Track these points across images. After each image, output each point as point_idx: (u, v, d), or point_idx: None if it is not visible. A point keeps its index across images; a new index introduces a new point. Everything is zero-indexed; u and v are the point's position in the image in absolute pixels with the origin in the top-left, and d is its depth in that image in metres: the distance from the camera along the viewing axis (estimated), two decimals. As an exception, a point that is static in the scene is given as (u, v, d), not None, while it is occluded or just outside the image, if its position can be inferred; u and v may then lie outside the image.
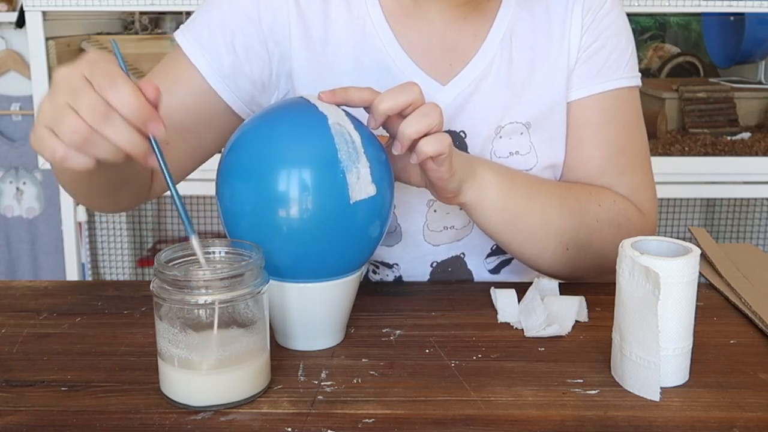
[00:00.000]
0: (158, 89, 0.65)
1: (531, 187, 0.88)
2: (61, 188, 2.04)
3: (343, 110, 0.74)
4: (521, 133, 0.92)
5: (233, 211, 0.72)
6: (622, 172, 0.94)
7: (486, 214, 0.85)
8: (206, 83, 0.90)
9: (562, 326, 0.77)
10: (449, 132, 0.91)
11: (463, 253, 0.96)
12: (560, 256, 0.89)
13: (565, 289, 0.87)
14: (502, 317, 0.81)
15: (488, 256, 0.97)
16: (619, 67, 0.93)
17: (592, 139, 0.93)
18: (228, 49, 0.90)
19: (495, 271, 0.98)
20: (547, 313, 0.79)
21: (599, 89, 0.93)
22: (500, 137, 0.92)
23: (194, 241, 0.66)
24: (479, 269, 0.97)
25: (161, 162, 0.66)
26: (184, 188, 2.01)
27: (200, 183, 1.98)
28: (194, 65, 0.90)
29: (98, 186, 0.84)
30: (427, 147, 0.75)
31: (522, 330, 0.78)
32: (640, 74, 0.96)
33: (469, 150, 0.91)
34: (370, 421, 0.62)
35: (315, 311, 0.73)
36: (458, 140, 0.91)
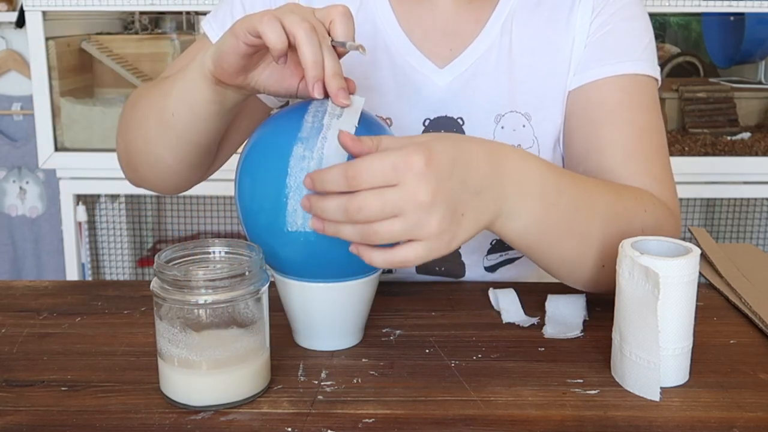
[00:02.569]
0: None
1: (577, 207, 0.73)
2: (61, 188, 2.04)
3: (363, 112, 0.73)
4: (523, 125, 0.91)
5: (252, 209, 0.72)
6: (646, 158, 0.86)
7: (512, 243, 0.72)
8: None
9: (569, 327, 0.78)
10: (447, 118, 0.90)
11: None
12: (594, 274, 0.78)
13: (565, 288, 0.87)
14: (506, 318, 0.81)
15: (489, 252, 0.97)
16: (634, 53, 0.89)
17: (610, 122, 0.87)
18: None
19: (492, 269, 0.98)
20: (578, 320, 0.79)
21: (613, 71, 0.88)
22: (502, 128, 0.91)
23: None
24: (475, 265, 0.96)
25: None
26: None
27: (200, 183, 1.98)
28: None
29: (215, 120, 0.81)
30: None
31: (522, 330, 0.78)
32: (659, 68, 0.92)
33: None
34: (370, 421, 0.62)
35: (336, 310, 0.73)
36: (456, 127, 0.91)
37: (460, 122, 0.91)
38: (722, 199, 2.31)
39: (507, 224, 0.69)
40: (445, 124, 0.91)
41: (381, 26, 0.92)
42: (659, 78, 0.92)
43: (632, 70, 0.89)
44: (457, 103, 0.91)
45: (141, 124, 0.88)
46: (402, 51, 0.91)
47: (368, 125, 0.72)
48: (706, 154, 1.99)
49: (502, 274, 0.98)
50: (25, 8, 1.94)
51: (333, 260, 0.70)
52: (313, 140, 0.69)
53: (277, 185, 0.69)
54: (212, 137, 0.85)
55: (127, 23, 2.41)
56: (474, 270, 0.97)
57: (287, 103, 0.97)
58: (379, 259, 0.63)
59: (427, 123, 0.92)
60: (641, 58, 0.90)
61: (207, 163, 0.92)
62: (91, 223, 2.24)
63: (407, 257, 0.62)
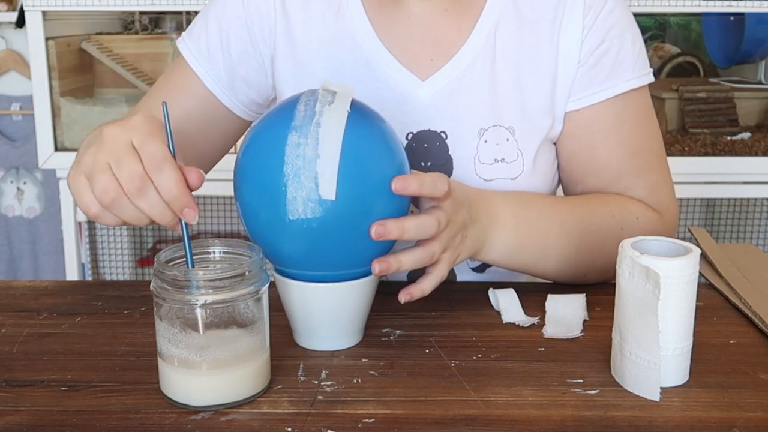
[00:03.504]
0: (202, 177, 0.67)
1: (548, 236, 0.85)
2: (61, 188, 2.04)
3: (358, 104, 0.73)
4: (507, 139, 0.90)
5: (252, 205, 0.72)
6: (638, 174, 0.92)
7: (494, 264, 0.86)
8: (205, 88, 0.93)
9: (569, 327, 0.78)
10: (430, 132, 0.90)
11: None
12: (578, 281, 0.90)
13: (565, 288, 0.87)
14: (506, 317, 0.81)
15: None
16: (628, 68, 0.90)
17: (606, 144, 0.91)
18: (224, 53, 0.93)
19: (479, 270, 0.97)
20: (578, 321, 0.80)
21: (610, 94, 0.90)
22: (485, 141, 0.90)
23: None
24: (462, 266, 0.96)
25: (186, 241, 0.67)
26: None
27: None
28: (194, 71, 0.93)
29: None
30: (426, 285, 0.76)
31: (522, 330, 0.78)
32: (651, 69, 0.93)
33: (450, 152, 0.90)
34: (370, 421, 0.62)
35: (336, 310, 0.73)
36: (439, 141, 0.90)
37: (443, 136, 0.90)
38: (722, 199, 2.31)
39: (489, 253, 0.83)
40: (427, 138, 0.90)
41: (359, 39, 0.90)
42: (652, 78, 0.93)
43: (626, 88, 0.90)
44: (440, 117, 0.90)
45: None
46: (382, 64, 0.90)
47: (361, 112, 0.73)
48: (706, 154, 1.99)
49: (492, 275, 0.97)
50: (25, 8, 1.94)
51: (334, 250, 0.70)
52: (306, 127, 0.69)
53: (276, 175, 0.69)
54: None
55: (127, 23, 2.41)
56: (463, 272, 0.96)
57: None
58: (429, 284, 0.76)
59: (410, 137, 0.90)
60: (634, 70, 0.91)
61: None
62: (91, 223, 2.24)
63: (442, 273, 0.76)
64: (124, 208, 0.66)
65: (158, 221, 0.67)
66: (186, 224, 0.67)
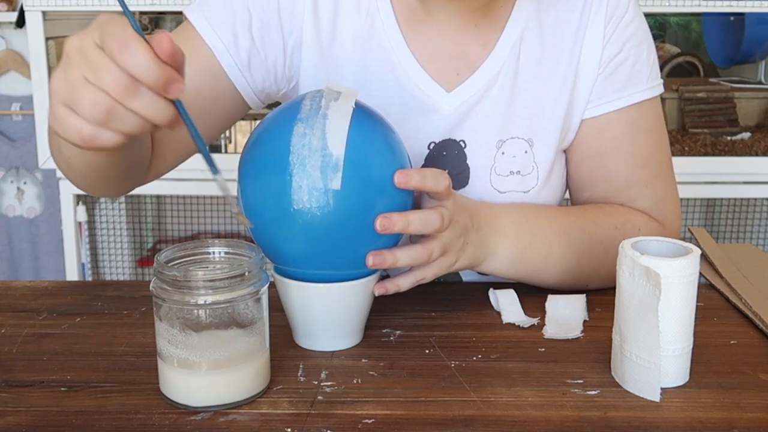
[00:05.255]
0: (171, 40, 0.57)
1: (550, 245, 0.85)
2: (61, 188, 2.04)
3: (365, 109, 0.73)
4: (525, 152, 0.90)
5: (255, 204, 0.72)
6: (646, 184, 0.92)
7: (496, 274, 0.85)
8: (219, 65, 0.86)
9: (569, 328, 0.78)
10: (450, 140, 0.90)
11: None
12: (579, 289, 0.88)
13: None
14: (506, 318, 0.81)
15: None
16: (642, 78, 0.91)
17: (617, 152, 0.91)
18: (245, 32, 0.86)
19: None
20: (578, 321, 0.80)
21: (624, 103, 0.90)
22: (502, 153, 0.90)
23: (219, 179, 0.63)
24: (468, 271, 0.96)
25: (188, 122, 0.61)
26: (183, 189, 2.02)
27: (200, 183, 1.99)
28: (208, 45, 0.86)
29: (113, 170, 0.79)
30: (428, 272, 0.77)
31: (522, 330, 0.78)
32: (662, 80, 0.93)
33: (468, 161, 0.90)
34: (370, 421, 0.62)
35: (336, 311, 0.73)
36: (458, 149, 0.90)
37: (462, 145, 0.90)
38: (722, 199, 2.31)
39: (491, 263, 0.82)
40: (447, 146, 0.90)
41: (387, 45, 0.89)
42: (662, 88, 0.94)
43: (640, 98, 0.91)
44: (461, 127, 0.90)
45: (52, 143, 0.82)
46: (410, 72, 0.89)
47: (366, 113, 0.74)
48: (706, 154, 1.99)
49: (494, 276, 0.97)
50: (25, 8, 1.94)
51: (336, 247, 0.70)
52: (312, 119, 0.70)
53: (281, 165, 0.69)
54: (123, 169, 0.80)
55: (127, 23, 2.41)
56: (467, 272, 0.96)
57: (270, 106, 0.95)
58: (407, 282, 0.77)
59: (431, 146, 0.90)
60: (648, 80, 0.91)
61: (144, 171, 0.88)
62: (91, 223, 2.25)
63: (425, 275, 0.76)
64: (120, 117, 0.58)
65: (158, 120, 0.59)
66: (184, 109, 0.60)
